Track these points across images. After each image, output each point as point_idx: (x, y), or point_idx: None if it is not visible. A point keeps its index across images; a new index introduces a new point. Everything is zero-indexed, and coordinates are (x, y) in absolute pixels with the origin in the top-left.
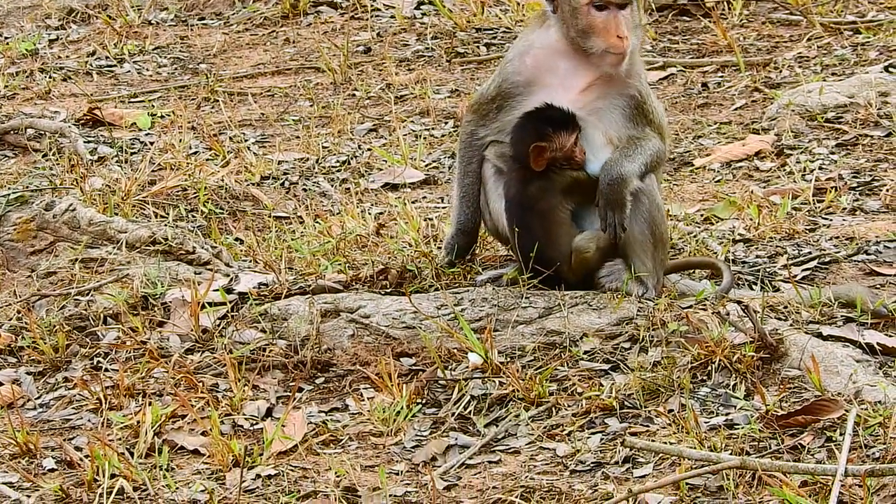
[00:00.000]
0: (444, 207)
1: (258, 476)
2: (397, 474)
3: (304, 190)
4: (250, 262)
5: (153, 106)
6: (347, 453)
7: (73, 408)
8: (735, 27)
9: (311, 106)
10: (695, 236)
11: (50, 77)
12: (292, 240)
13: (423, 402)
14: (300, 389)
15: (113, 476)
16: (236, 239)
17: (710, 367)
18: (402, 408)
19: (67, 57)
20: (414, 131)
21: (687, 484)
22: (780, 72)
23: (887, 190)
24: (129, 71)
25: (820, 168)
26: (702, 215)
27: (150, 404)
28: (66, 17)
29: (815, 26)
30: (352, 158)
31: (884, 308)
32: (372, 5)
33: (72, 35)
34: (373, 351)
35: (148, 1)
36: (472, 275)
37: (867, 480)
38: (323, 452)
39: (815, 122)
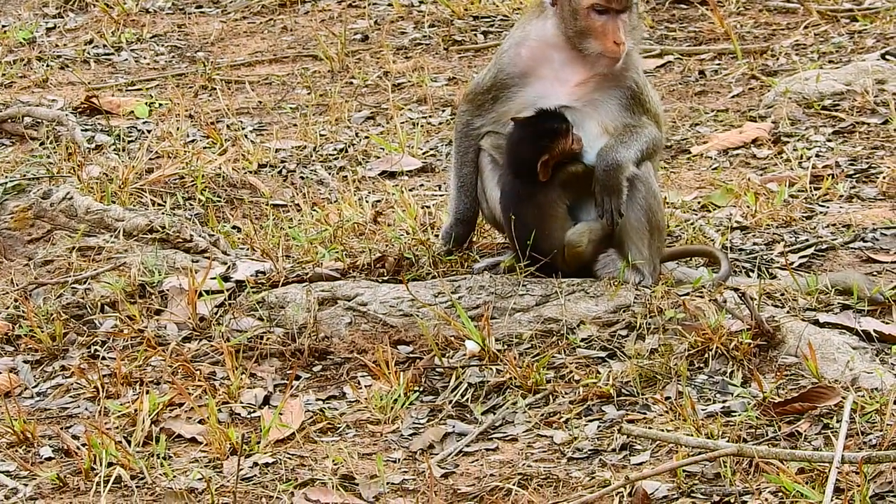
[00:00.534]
0: (441, 195)
1: (255, 464)
2: (395, 462)
3: (302, 178)
4: (248, 250)
5: (150, 94)
6: (345, 441)
7: (71, 396)
8: (732, 15)
9: (308, 94)
10: (692, 224)
11: (47, 65)
12: (289, 228)
13: (421, 389)
14: (297, 377)
15: (110, 464)
16: (234, 227)
17: (707, 355)
18: (399, 395)
19: (65, 45)
20: (411, 119)
21: (684, 471)
22: (777, 59)
23: (884, 177)
24: (126, 59)
25: (817, 155)
26: (699, 203)
27: (147, 392)
28: (64, 6)
29: (812, 14)
30: (349, 146)
31: (880, 295)
32: None
33: (69, 23)
34: (370, 339)
35: None
36: (470, 262)
37: (864, 467)
38: (320, 440)
39: (812, 110)
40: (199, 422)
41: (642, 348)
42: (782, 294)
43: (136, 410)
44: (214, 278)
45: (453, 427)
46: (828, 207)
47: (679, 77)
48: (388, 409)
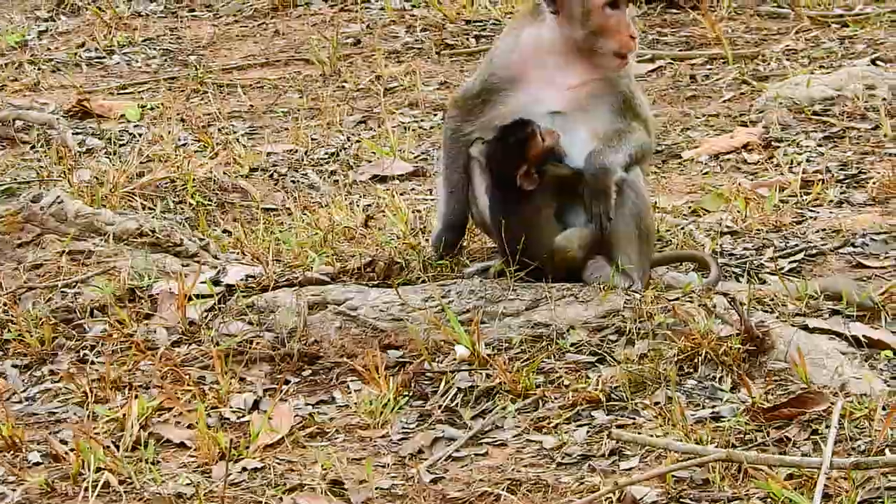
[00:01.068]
0: (432, 199)
1: (244, 469)
2: (384, 467)
3: (293, 182)
4: (238, 254)
5: (142, 98)
6: (334, 446)
7: (59, 401)
8: (723, 20)
9: (300, 98)
10: (682, 228)
11: (39, 69)
12: (280, 232)
13: (410, 394)
14: (287, 382)
15: (98, 469)
16: (224, 231)
17: (696, 360)
18: (388, 400)
19: (57, 48)
20: (403, 123)
21: (673, 476)
22: (769, 64)
23: (874, 183)
24: (118, 62)
25: (807, 160)
26: (689, 207)
27: (136, 397)
28: (56, 9)
29: (803, 19)
30: (340, 150)
31: (870, 300)
32: None
33: (61, 27)
34: (360, 343)
35: None
36: (460, 267)
37: (852, 473)
38: (309, 445)
39: (803, 115)
40: (188, 426)
41: (632, 353)
42: (772, 299)
43: (124, 415)
44: (204, 282)
45: (443, 432)
46: (818, 213)
47: (670, 82)
48: (377, 414)
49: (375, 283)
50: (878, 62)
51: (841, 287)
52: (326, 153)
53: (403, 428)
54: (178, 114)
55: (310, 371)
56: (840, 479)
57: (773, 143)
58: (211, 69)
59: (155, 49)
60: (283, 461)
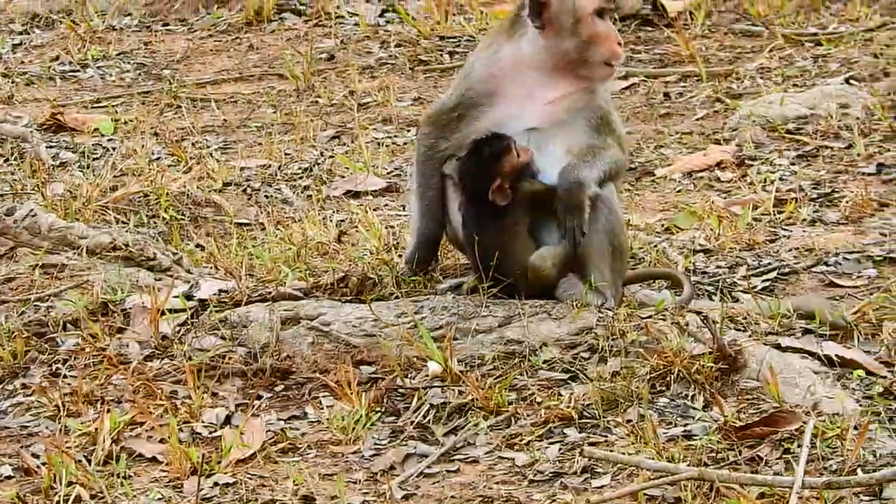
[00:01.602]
0: (405, 215)
1: (216, 484)
2: (356, 483)
3: (266, 197)
4: (211, 268)
5: (116, 111)
6: (306, 461)
7: (31, 414)
8: (697, 37)
9: (274, 112)
10: (655, 246)
11: (13, 82)
12: (253, 247)
13: (383, 410)
14: (259, 397)
15: (70, 484)
16: (197, 245)
17: (668, 378)
18: (361, 416)
19: (31, 62)
20: (377, 139)
21: (645, 494)
22: (742, 82)
23: (847, 201)
24: (92, 76)
25: (780, 179)
26: (663, 225)
27: (108, 411)
28: (30, 22)
29: (777, 37)
30: (314, 165)
31: (842, 319)
32: (336, 13)
33: (35, 40)
34: (332, 359)
35: (112, 7)
36: (433, 283)
37: (824, 493)
38: (281, 460)
39: (776, 133)
40: (160, 441)
41: (604, 371)
42: (745, 318)
43: (96, 429)
44: (177, 297)
45: (415, 448)
46: (791, 231)
47: (644, 99)
48: (349, 430)
49: (348, 298)
50: (851, 81)
51: (814, 306)
52: (300, 168)
53: (375, 444)
54: (151, 128)
55: (282, 386)
56: (812, 499)
57: (746, 161)
58: (185, 83)
59: (129, 63)
60: (255, 476)
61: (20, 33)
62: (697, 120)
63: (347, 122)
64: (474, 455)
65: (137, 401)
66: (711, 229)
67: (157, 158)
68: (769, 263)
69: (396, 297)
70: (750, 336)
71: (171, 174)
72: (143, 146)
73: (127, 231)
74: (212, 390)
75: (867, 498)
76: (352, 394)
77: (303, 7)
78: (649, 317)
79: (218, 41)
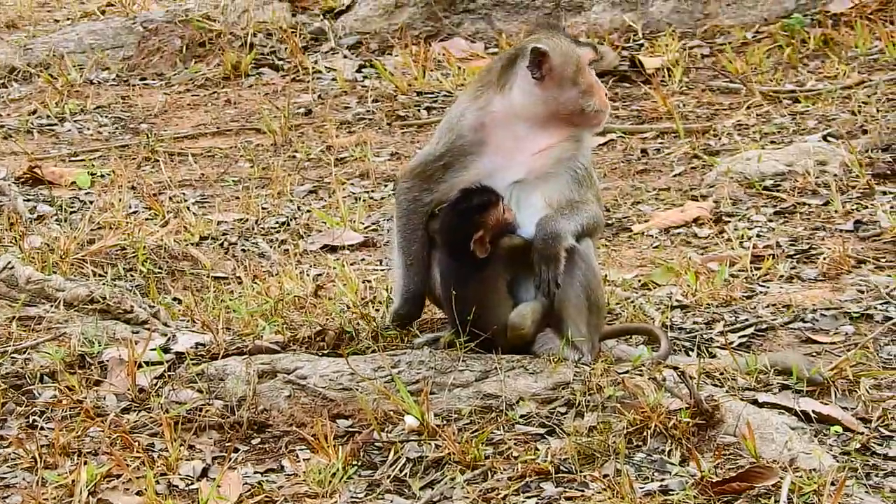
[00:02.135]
0: (382, 270)
1: None
2: None
3: (243, 251)
4: (188, 321)
5: (93, 165)
6: None
7: (8, 466)
8: (675, 94)
9: (251, 167)
10: (632, 302)
11: None
12: (230, 300)
13: (359, 464)
14: (236, 450)
15: None
16: (174, 299)
17: (645, 433)
18: (337, 469)
19: (8, 115)
20: (354, 193)
21: None
22: (720, 139)
23: (824, 258)
24: (69, 130)
25: (758, 235)
26: (639, 281)
27: (85, 463)
28: (8, 76)
29: (755, 94)
30: (291, 220)
31: (819, 376)
32: (313, 68)
33: (13, 93)
34: (309, 412)
35: (89, 61)
36: (410, 337)
37: None
38: None
39: (754, 190)
40: (137, 493)
41: (581, 425)
42: (721, 373)
43: (73, 481)
44: (154, 349)
45: (391, 502)
46: (768, 287)
47: (621, 155)
48: (326, 483)
49: (325, 352)
50: (829, 138)
51: (790, 362)
52: (277, 222)
53: (352, 497)
54: (128, 182)
55: (259, 439)
56: None
57: (723, 217)
58: (162, 138)
59: (106, 117)
60: None
61: None
62: (675, 176)
63: (325, 176)
64: None
65: (114, 453)
66: (688, 285)
67: (135, 212)
68: (746, 319)
69: (373, 351)
70: (727, 391)
71: (149, 227)
72: (120, 200)
73: (104, 284)
74: (188, 443)
75: None
76: (328, 447)
77: (280, 62)
78: (626, 372)
79: (195, 96)
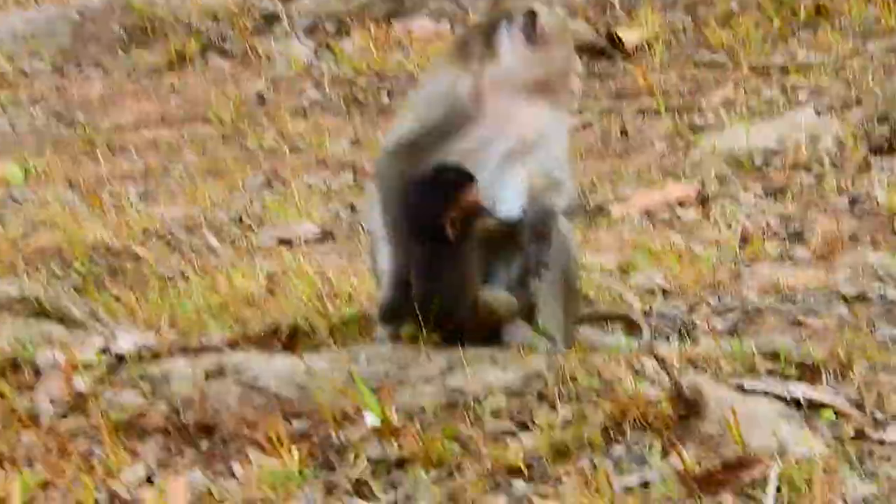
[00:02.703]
0: (341, 263)
1: None
2: None
3: (191, 246)
4: (130, 321)
5: (27, 159)
6: None
7: None
8: (656, 70)
9: (198, 158)
10: (610, 287)
11: None
12: (176, 297)
13: (316, 465)
14: (182, 454)
15: None
16: (115, 297)
17: (623, 425)
18: (292, 472)
19: None
20: (310, 184)
21: None
22: (705, 116)
23: (817, 238)
24: (0, 123)
25: (746, 216)
26: (619, 265)
27: (19, 472)
28: None
29: (742, 68)
30: (243, 213)
31: (810, 360)
32: (265, 52)
33: None
34: (261, 413)
35: (22, 51)
36: (369, 332)
37: None
38: None
39: (742, 168)
40: (76, 502)
41: (554, 419)
42: (705, 360)
43: (7, 492)
44: (93, 351)
45: None
46: (756, 270)
47: (600, 134)
48: (280, 488)
49: (278, 349)
50: (822, 112)
51: (779, 346)
52: (227, 216)
53: (309, 502)
54: (65, 176)
55: (207, 443)
56: None
57: (709, 198)
58: (101, 129)
59: (41, 109)
60: None
61: None
62: (656, 155)
63: (278, 167)
64: None
65: (50, 461)
66: (670, 269)
67: (72, 207)
68: (732, 303)
69: (330, 348)
70: (711, 379)
71: (87, 224)
72: (56, 195)
73: (39, 283)
74: (131, 448)
75: None
76: (282, 449)
77: (229, 47)
78: (603, 361)
79: (137, 84)
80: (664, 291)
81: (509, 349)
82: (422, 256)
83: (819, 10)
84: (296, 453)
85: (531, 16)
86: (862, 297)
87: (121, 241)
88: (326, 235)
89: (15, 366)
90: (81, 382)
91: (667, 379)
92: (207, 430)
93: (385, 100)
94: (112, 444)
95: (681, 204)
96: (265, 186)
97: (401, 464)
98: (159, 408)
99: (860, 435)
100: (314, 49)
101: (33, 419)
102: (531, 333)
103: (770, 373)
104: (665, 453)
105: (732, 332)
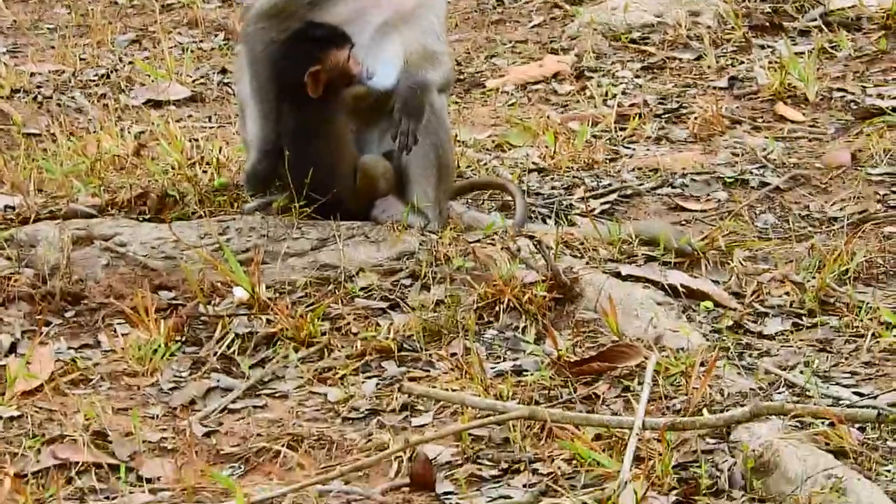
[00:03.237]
0: (211, 127)
1: (0, 417)
2: (152, 418)
3: (59, 105)
4: None
5: None
6: (98, 394)
7: None
8: None
9: (68, 13)
10: (485, 164)
11: None
12: (43, 159)
13: (183, 339)
14: (48, 323)
15: None
16: None
17: (497, 308)
18: (159, 346)
19: None
20: (181, 44)
21: (470, 435)
22: None
23: (695, 118)
24: None
25: (623, 93)
26: (493, 141)
27: None
28: None
29: None
30: (112, 72)
31: (689, 246)
32: None
33: None
34: (129, 283)
35: None
36: (240, 202)
37: (667, 434)
38: (71, 393)
39: (620, 43)
40: None
41: (427, 299)
42: (582, 243)
43: None
44: None
45: (217, 381)
46: (634, 149)
47: (475, 4)
48: (146, 361)
49: (147, 217)
50: None
51: (657, 231)
52: (96, 75)
53: (175, 376)
54: None
55: (73, 312)
56: (653, 441)
57: (586, 72)
58: None
59: None
60: (43, 409)
61: None
62: (533, 27)
63: (149, 24)
64: (283, 390)
65: None
66: (547, 146)
67: None
68: (609, 184)
69: (200, 217)
70: (587, 263)
71: None
72: None
73: None
74: None
75: (713, 440)
76: (149, 321)
77: None
78: (477, 241)
79: None
80: (540, 170)
81: (382, 226)
82: (292, 121)
83: None
84: (163, 326)
85: None
86: (742, 182)
87: None
88: (196, 98)
89: None
90: None
91: (542, 262)
92: (74, 298)
93: None
94: None
95: (557, 78)
96: (135, 45)
97: (269, 340)
98: (25, 274)
99: (739, 327)
100: None
101: None
102: (404, 210)
103: (649, 259)
104: (540, 339)
105: (611, 215)
